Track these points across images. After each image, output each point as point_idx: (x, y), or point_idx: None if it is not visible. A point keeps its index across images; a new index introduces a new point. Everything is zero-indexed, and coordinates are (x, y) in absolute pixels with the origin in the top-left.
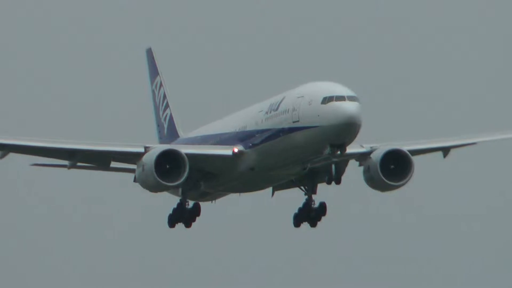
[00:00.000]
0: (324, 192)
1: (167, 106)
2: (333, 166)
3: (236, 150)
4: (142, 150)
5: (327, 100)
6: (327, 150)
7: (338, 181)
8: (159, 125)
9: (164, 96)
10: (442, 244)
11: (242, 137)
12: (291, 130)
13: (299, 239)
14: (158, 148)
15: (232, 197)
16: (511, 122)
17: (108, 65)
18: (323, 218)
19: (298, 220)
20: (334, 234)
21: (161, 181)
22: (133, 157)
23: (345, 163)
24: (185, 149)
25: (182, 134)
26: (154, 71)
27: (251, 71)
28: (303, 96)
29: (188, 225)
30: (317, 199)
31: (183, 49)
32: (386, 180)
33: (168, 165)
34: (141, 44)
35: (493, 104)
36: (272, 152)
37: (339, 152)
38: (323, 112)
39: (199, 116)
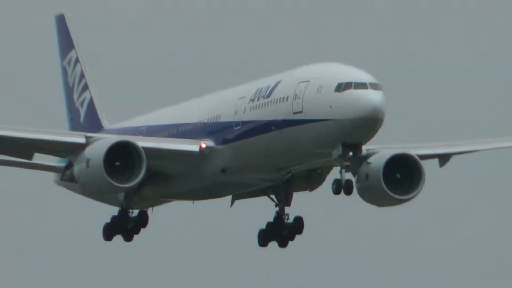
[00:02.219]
0: (299, 203)
1: (85, 87)
2: (342, 172)
3: (204, 145)
4: (83, 140)
5: (343, 87)
6: (337, 151)
7: (349, 191)
8: (72, 111)
9: (82, 75)
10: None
11: (212, 129)
12: (290, 123)
13: (265, 262)
14: (107, 139)
15: (176, 204)
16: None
17: (7, 35)
18: (297, 236)
19: (265, 238)
20: (310, 258)
21: (112, 181)
22: (68, 150)
23: (327, 170)
24: (140, 142)
25: (106, 124)
26: (67, 44)
27: (209, 44)
28: (308, 81)
29: (129, 238)
30: (291, 212)
31: (109, 16)
32: (391, 193)
33: (119, 162)
34: (49, 8)
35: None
36: (256, 150)
37: (351, 154)
38: (337, 102)
39: (134, 103)
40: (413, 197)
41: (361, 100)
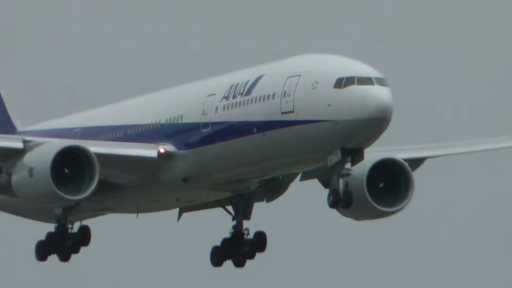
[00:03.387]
0: (258, 216)
1: None
2: (340, 181)
3: (162, 150)
4: (20, 145)
5: (344, 82)
6: (334, 157)
7: (348, 203)
8: None
9: None
10: None
11: (172, 131)
12: (277, 124)
13: (220, 284)
14: (51, 143)
15: (112, 217)
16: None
17: None
18: (257, 255)
19: (220, 255)
20: (271, 279)
21: (61, 193)
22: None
23: (291, 178)
24: (90, 147)
25: (20, 125)
26: None
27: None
28: (299, 75)
29: (65, 258)
30: (251, 226)
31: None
32: (376, 205)
33: (67, 170)
34: None
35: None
36: (230, 156)
37: (351, 160)
38: (338, 100)
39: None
40: (401, 208)
41: (367, 97)
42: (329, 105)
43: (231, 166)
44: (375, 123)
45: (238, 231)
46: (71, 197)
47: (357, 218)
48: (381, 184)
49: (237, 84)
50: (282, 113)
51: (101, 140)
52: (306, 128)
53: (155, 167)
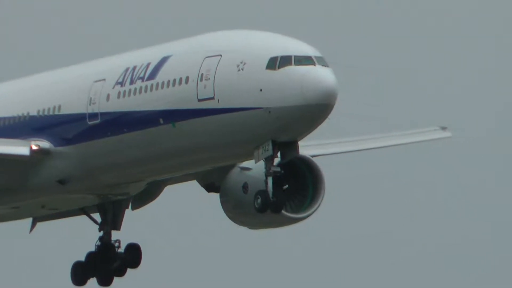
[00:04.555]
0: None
1: None
2: (269, 181)
3: (35, 147)
4: None
5: (279, 62)
6: (263, 152)
7: (279, 208)
8: None
9: None
10: None
11: (47, 124)
12: (191, 114)
13: None
14: None
15: None
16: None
17: None
18: (129, 271)
19: (84, 273)
20: None
21: None
22: None
23: (166, 181)
24: None
25: None
26: None
27: None
28: (220, 55)
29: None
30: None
31: None
32: (284, 211)
33: None
34: None
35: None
36: (126, 153)
37: (281, 156)
38: (272, 84)
39: None
40: (310, 214)
41: (308, 80)
42: (261, 89)
43: (125, 164)
44: (317, 111)
45: (106, 243)
46: None
47: (254, 226)
48: (286, 186)
49: (135, 67)
50: (199, 100)
51: None
52: (229, 117)
53: (27, 167)
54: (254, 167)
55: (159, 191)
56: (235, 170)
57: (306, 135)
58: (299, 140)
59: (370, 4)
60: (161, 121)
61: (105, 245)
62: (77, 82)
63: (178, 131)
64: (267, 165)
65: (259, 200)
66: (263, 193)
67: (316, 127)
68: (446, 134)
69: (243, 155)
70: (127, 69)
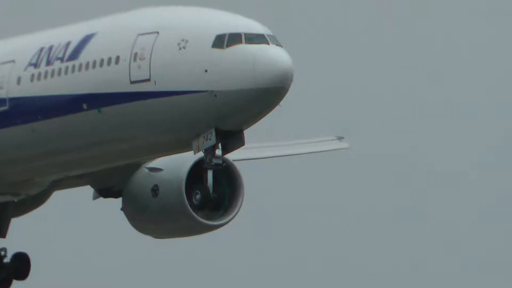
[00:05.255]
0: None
1: None
2: (209, 175)
3: None
4: None
5: (227, 40)
6: (204, 142)
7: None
8: None
9: None
10: None
11: None
12: (122, 98)
13: None
14: None
15: None
16: None
17: None
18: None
19: None
20: None
21: None
22: None
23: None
24: None
25: None
26: None
27: None
28: (157, 32)
29: None
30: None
31: None
32: (199, 218)
33: None
34: None
35: None
36: (42, 144)
37: (223, 147)
38: (219, 64)
39: None
40: (228, 221)
41: (261, 60)
42: (206, 70)
43: (39, 157)
44: (271, 96)
45: None
46: None
47: (160, 234)
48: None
49: (51, 46)
50: (132, 82)
51: None
52: (168, 101)
53: None
54: (166, 168)
55: (46, 196)
56: (142, 172)
57: (254, 123)
58: (246, 129)
59: None
60: (85, 106)
61: None
62: None
63: (105, 118)
64: (208, 157)
65: (198, 196)
66: (203, 189)
67: (267, 113)
68: (343, 144)
69: (180, 145)
70: (41, 49)
